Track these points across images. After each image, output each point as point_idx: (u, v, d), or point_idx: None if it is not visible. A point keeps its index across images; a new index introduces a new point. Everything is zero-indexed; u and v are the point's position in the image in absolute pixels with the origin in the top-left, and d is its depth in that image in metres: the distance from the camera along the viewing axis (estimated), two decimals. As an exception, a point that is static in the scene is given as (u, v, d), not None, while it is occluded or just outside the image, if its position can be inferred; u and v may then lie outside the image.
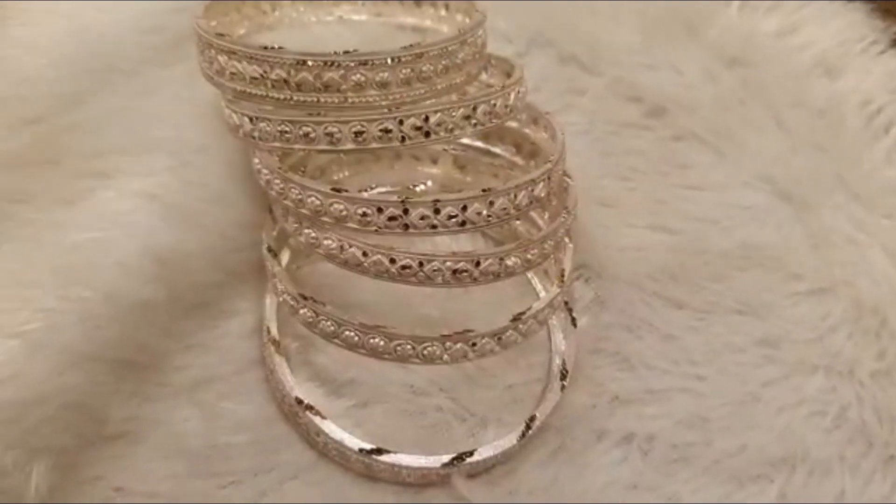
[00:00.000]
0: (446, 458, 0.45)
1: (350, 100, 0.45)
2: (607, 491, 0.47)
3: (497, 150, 0.54)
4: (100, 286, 0.44)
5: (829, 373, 0.53)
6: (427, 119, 0.43)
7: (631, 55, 0.62)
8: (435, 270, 0.43)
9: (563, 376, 0.48)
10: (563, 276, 0.47)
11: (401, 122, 0.43)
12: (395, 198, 0.42)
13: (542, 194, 0.46)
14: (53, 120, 0.52)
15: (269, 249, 0.46)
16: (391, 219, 0.42)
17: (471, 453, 0.45)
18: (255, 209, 0.51)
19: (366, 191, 0.52)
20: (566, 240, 0.49)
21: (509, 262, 0.44)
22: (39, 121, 0.52)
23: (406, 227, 0.42)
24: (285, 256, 0.49)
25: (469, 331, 0.43)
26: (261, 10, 0.59)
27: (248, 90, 0.46)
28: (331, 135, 0.43)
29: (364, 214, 0.42)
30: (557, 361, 0.49)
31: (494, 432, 0.48)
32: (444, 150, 0.55)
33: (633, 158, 0.59)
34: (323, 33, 0.60)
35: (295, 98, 0.45)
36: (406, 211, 0.42)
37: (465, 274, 0.43)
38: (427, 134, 0.44)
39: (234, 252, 0.50)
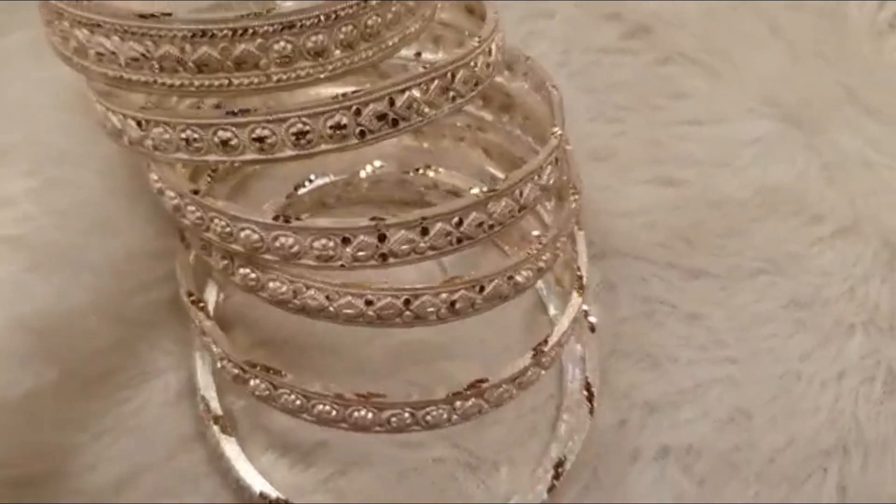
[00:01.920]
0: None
1: (275, 77, 0.32)
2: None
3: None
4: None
5: (868, 330, 0.46)
6: (392, 102, 0.31)
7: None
8: (427, 308, 0.32)
9: (590, 397, 0.38)
10: (581, 280, 0.37)
11: (357, 112, 0.31)
12: (363, 221, 0.30)
13: (551, 181, 0.34)
14: None
15: (190, 295, 0.34)
16: (361, 250, 0.30)
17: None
18: (155, 230, 0.38)
19: (302, 186, 0.40)
20: (575, 227, 0.38)
21: (520, 279, 0.33)
22: None
23: (384, 257, 0.31)
24: (211, 293, 0.37)
25: (481, 381, 0.33)
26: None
27: (126, 76, 0.32)
28: (261, 139, 0.31)
29: (323, 248, 0.30)
30: (576, 375, 0.39)
31: (508, 475, 0.38)
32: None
33: (619, 94, 0.49)
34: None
35: (196, 83, 0.32)
36: (382, 237, 0.30)
37: (466, 305, 0.32)
38: (395, 122, 0.32)
39: (136, 294, 0.37)
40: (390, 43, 0.35)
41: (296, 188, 0.40)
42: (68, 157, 0.37)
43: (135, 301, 0.37)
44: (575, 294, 0.36)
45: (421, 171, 0.42)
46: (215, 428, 0.34)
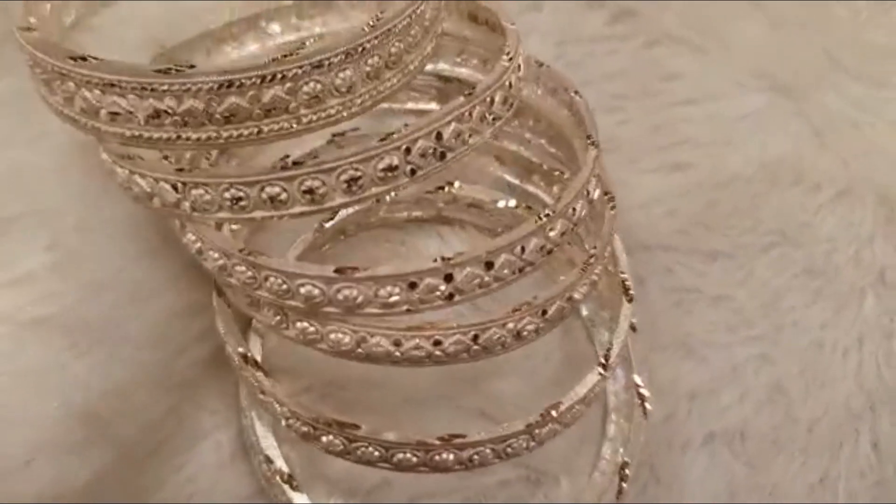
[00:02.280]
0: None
1: (305, 119, 0.31)
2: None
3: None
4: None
5: (877, 291, 0.47)
6: (440, 136, 0.30)
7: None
8: (494, 339, 0.31)
9: (642, 398, 0.38)
10: (626, 285, 0.36)
11: (407, 151, 0.29)
12: (428, 263, 0.29)
13: (596, 195, 0.34)
14: None
15: (245, 357, 0.32)
16: (429, 292, 0.29)
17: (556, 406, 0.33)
18: (184, 287, 0.36)
19: (329, 219, 0.38)
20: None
21: (577, 296, 0.33)
22: None
23: (451, 296, 0.30)
24: (255, 347, 0.35)
25: (555, 406, 0.32)
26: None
27: (146, 134, 0.30)
28: (311, 191, 0.29)
29: (389, 295, 0.29)
30: (619, 375, 0.39)
31: (569, 485, 0.38)
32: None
33: (614, 82, 0.49)
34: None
35: (224, 135, 0.30)
36: (449, 277, 0.29)
37: (531, 332, 0.32)
38: (442, 155, 0.31)
39: (177, 358, 0.36)
40: (411, 67, 0.34)
41: (322, 222, 0.38)
42: (86, 224, 0.35)
43: (177, 365, 0.36)
44: (625, 301, 0.36)
45: (439, 189, 0.41)
46: (285, 486, 0.33)
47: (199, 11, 0.43)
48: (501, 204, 0.40)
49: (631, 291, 0.36)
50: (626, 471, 0.37)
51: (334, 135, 0.40)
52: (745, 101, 0.50)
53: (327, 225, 0.38)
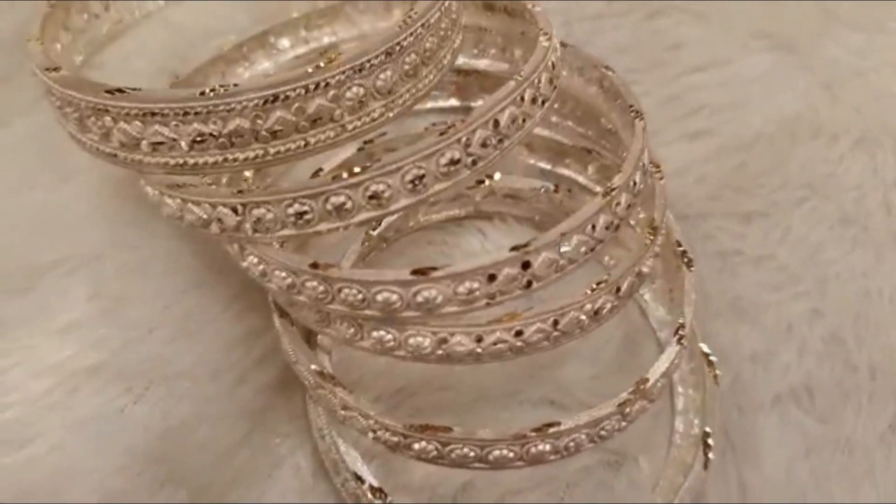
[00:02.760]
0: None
1: (350, 126, 0.30)
2: (792, 472, 0.39)
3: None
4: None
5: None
6: (497, 123, 0.29)
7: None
8: (573, 323, 0.30)
9: (710, 364, 0.38)
10: (686, 256, 0.36)
11: (467, 143, 0.29)
12: (504, 253, 0.28)
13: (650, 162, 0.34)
14: None
15: (321, 374, 0.31)
16: (508, 282, 0.29)
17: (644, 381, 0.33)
18: (236, 313, 0.35)
19: (377, 226, 0.38)
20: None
21: (646, 269, 0.33)
22: None
23: (529, 284, 0.29)
24: (325, 363, 0.34)
25: (643, 381, 0.31)
26: (91, 14, 0.40)
27: (191, 160, 0.29)
28: (376, 196, 0.28)
29: (469, 291, 0.28)
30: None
31: (648, 464, 0.38)
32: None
33: (625, 56, 0.49)
34: (185, 22, 0.42)
35: (272, 151, 0.29)
36: (527, 265, 0.29)
37: (607, 310, 0.31)
38: (500, 142, 0.30)
39: (238, 387, 0.35)
40: (445, 61, 0.33)
41: (368, 231, 0.37)
42: (126, 266, 0.34)
43: (240, 394, 0.35)
44: (686, 270, 0.36)
45: (479, 184, 0.40)
46: (378, 502, 0.32)
47: (203, 37, 0.43)
48: (541, 189, 0.40)
49: (690, 258, 0.36)
50: (709, 440, 0.36)
51: (365, 142, 0.39)
52: (751, 63, 0.51)
53: (374, 233, 0.37)
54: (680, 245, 0.36)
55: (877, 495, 0.39)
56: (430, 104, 0.43)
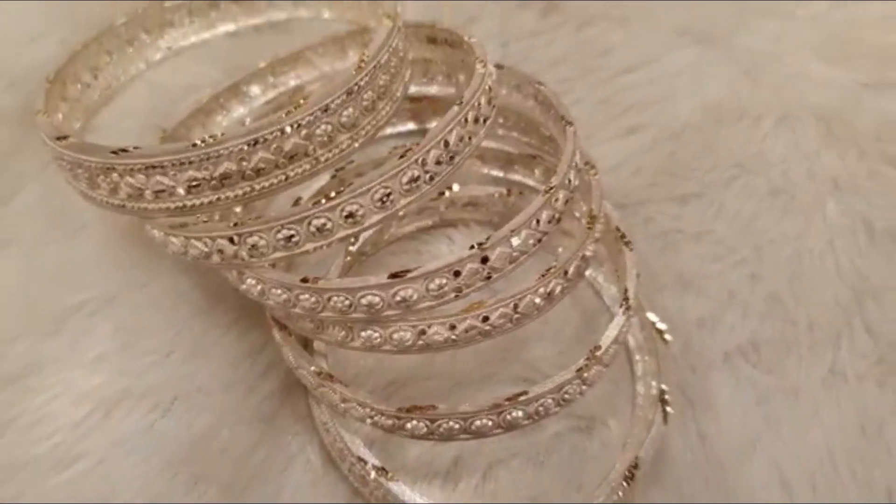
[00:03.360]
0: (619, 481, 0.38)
1: (323, 158, 0.35)
2: (746, 420, 0.44)
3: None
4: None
5: (835, 196, 0.52)
6: (447, 143, 0.35)
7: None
8: (530, 305, 0.35)
9: (660, 332, 0.43)
10: (623, 235, 0.41)
11: (423, 163, 0.34)
12: (465, 252, 0.34)
13: (583, 164, 0.39)
14: None
15: (320, 374, 0.36)
16: (471, 276, 0.34)
17: (636, 465, 0.39)
18: (238, 333, 0.41)
19: (355, 242, 0.43)
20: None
21: (589, 253, 0.38)
22: None
23: (489, 276, 0.34)
24: (322, 365, 0.39)
25: (596, 349, 0.37)
26: (83, 84, 0.45)
27: (189, 202, 0.34)
28: (351, 215, 0.33)
29: (439, 288, 0.33)
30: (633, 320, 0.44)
31: (616, 426, 0.43)
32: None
33: (559, 68, 0.54)
34: (165, 81, 0.47)
35: (258, 187, 0.34)
36: (485, 259, 0.34)
37: (558, 292, 0.36)
38: (451, 159, 0.35)
39: (249, 396, 0.40)
40: (398, 94, 0.38)
41: (347, 247, 0.42)
42: (138, 303, 0.40)
43: (251, 402, 0.40)
44: (626, 250, 0.41)
45: (440, 195, 0.45)
46: (382, 480, 0.37)
47: (182, 93, 0.48)
48: (495, 194, 0.45)
49: (629, 240, 0.41)
50: (666, 397, 0.41)
51: (336, 170, 0.44)
52: (675, 58, 0.56)
53: (353, 248, 0.42)
54: (619, 230, 0.42)
55: (824, 434, 0.43)
56: (389, 130, 0.48)
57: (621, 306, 0.38)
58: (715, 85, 0.55)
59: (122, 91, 0.46)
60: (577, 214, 0.44)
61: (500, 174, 0.48)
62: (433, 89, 0.47)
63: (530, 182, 0.47)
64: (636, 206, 0.50)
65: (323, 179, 0.44)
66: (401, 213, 0.44)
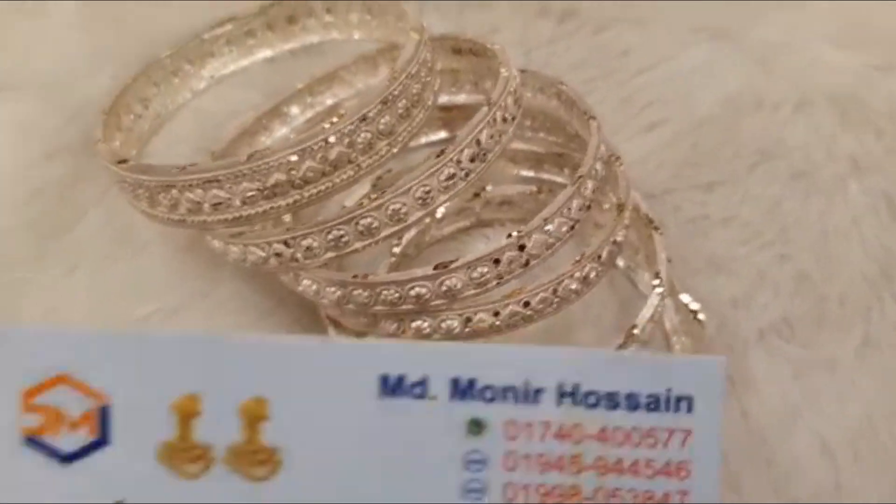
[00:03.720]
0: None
1: (364, 165, 0.38)
2: (786, 395, 0.45)
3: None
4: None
5: (855, 175, 0.53)
6: (479, 142, 0.37)
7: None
8: (569, 289, 0.38)
9: (694, 313, 0.45)
10: (650, 219, 0.43)
11: (458, 162, 0.36)
12: (504, 240, 0.36)
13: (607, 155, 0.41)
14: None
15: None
16: (512, 262, 0.36)
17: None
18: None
19: (399, 244, 0.45)
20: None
21: (620, 238, 0.40)
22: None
23: (527, 262, 0.37)
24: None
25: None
26: (135, 115, 0.48)
27: (245, 213, 0.37)
28: (396, 213, 0.36)
29: (481, 276, 0.36)
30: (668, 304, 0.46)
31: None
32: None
33: (580, 71, 0.56)
34: (210, 108, 0.51)
35: (307, 195, 0.37)
36: (523, 247, 0.36)
37: (595, 276, 0.38)
38: (485, 154, 0.38)
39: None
40: (429, 102, 0.41)
41: (393, 249, 0.45)
42: (203, 312, 0.42)
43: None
44: (656, 235, 0.43)
45: (475, 196, 0.48)
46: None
47: (227, 118, 0.51)
48: (527, 193, 0.47)
49: (657, 226, 0.43)
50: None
51: (377, 178, 0.47)
52: (691, 55, 0.57)
53: (398, 250, 0.45)
54: (648, 216, 0.44)
55: (862, 402, 0.45)
56: (423, 139, 0.50)
57: (654, 288, 0.40)
58: (732, 77, 0.57)
59: (170, 119, 0.49)
60: (607, 206, 0.46)
61: (531, 174, 0.50)
62: (461, 98, 0.49)
63: (559, 179, 0.49)
64: (664, 195, 0.52)
65: (364, 188, 0.47)
66: (439, 215, 0.47)
